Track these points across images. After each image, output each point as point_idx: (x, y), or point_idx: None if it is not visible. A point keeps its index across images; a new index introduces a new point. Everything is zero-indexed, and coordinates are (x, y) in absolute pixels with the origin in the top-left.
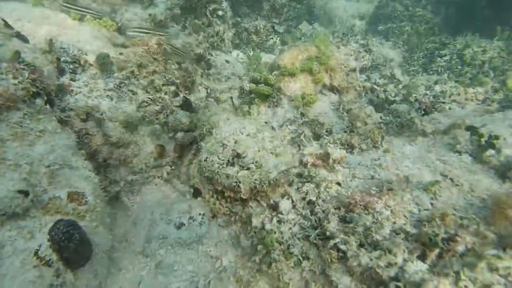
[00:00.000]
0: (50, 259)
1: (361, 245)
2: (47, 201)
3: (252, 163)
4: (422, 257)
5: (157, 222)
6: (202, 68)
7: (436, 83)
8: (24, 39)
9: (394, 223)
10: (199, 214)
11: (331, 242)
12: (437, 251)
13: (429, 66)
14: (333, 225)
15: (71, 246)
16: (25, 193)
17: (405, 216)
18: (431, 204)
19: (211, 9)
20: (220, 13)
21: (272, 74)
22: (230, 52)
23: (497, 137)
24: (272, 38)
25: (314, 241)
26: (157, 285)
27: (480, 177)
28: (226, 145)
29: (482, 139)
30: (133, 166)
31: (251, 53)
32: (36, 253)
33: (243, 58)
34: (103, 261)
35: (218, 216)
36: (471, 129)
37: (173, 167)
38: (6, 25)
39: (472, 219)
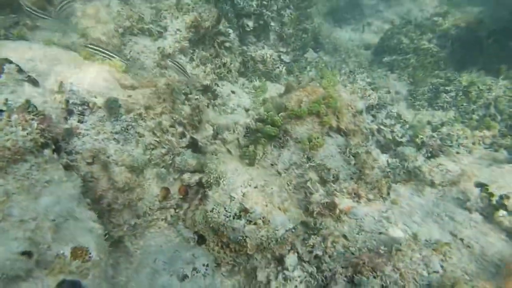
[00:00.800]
0: None
1: None
2: (51, 260)
3: (260, 218)
4: None
5: (160, 272)
6: (208, 98)
7: (443, 124)
8: (35, 83)
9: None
10: (203, 265)
11: None
12: None
13: (435, 101)
14: None
15: None
16: (29, 254)
17: (415, 280)
18: (441, 266)
19: (219, 41)
20: (227, 44)
21: (279, 115)
22: (236, 82)
23: (508, 197)
24: (278, 68)
25: None
26: None
27: (491, 239)
28: (234, 198)
29: (493, 198)
30: (137, 210)
31: (257, 83)
32: None
33: (248, 87)
34: None
35: (222, 265)
36: (481, 185)
37: (177, 210)
38: (19, 70)
39: None
